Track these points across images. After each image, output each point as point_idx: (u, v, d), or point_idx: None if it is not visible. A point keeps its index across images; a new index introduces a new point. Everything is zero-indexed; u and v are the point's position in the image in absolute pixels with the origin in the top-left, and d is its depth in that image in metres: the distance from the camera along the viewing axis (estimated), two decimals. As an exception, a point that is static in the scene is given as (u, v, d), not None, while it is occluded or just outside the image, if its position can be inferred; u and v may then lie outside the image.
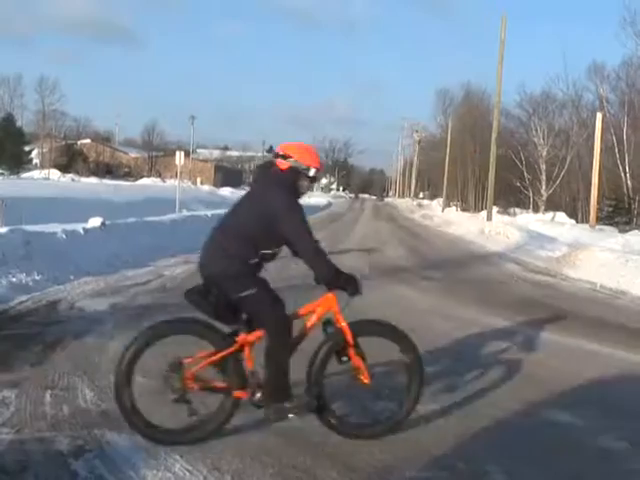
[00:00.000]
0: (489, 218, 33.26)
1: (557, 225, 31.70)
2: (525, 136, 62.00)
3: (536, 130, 58.98)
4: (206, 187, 68.70)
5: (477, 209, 60.90)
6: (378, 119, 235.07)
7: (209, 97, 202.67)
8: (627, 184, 46.30)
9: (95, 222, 13.66)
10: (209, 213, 24.38)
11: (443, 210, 59.53)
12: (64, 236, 11.94)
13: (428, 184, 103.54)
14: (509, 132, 62.05)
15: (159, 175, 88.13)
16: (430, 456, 4.24)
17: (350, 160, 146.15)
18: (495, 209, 39.47)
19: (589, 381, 6.26)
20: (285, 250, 4.49)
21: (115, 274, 11.28)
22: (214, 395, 4.39)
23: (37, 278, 9.60)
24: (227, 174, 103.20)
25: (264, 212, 4.28)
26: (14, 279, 9.20)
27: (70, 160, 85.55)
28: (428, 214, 51.24)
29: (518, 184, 59.36)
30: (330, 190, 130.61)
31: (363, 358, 4.50)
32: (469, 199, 69.67)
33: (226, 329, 4.42)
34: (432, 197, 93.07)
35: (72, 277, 10.29)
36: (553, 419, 5.11)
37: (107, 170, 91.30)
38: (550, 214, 46.02)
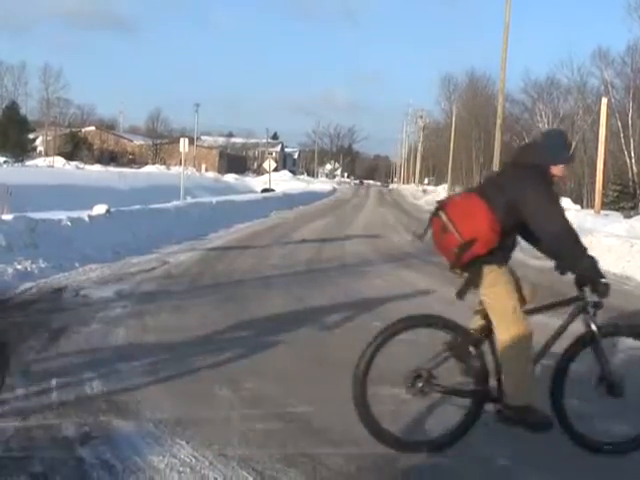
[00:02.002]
0: (494, 204, 33.17)
1: (562, 211, 31.58)
2: (530, 122, 61.87)
3: (541, 116, 58.91)
4: (211, 174, 68.74)
5: (482, 195, 60.76)
6: (382, 105, 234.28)
7: (213, 84, 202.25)
8: (632, 169, 46.22)
9: (100, 209, 13.67)
10: (214, 200, 24.38)
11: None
12: (69, 223, 11.95)
13: (433, 170, 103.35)
14: (514, 118, 61.91)
15: (164, 162, 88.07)
16: (435, 442, 4.24)
17: (355, 146, 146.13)
18: (500, 195, 39.36)
19: (592, 367, 6.24)
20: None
21: (120, 261, 11.30)
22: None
23: (42, 265, 9.61)
24: (231, 161, 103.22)
25: None
26: (19, 266, 9.22)
27: (74, 148, 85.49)
28: (433, 200, 51.07)
29: (523, 170, 59.29)
30: (335, 176, 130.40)
31: None
32: (474, 185, 69.58)
33: None
34: (437, 183, 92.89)
35: (77, 264, 10.31)
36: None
37: (111, 157, 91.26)
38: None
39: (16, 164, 61.84)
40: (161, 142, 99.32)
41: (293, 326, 7.24)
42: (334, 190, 68.88)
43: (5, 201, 15.61)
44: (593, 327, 4.25)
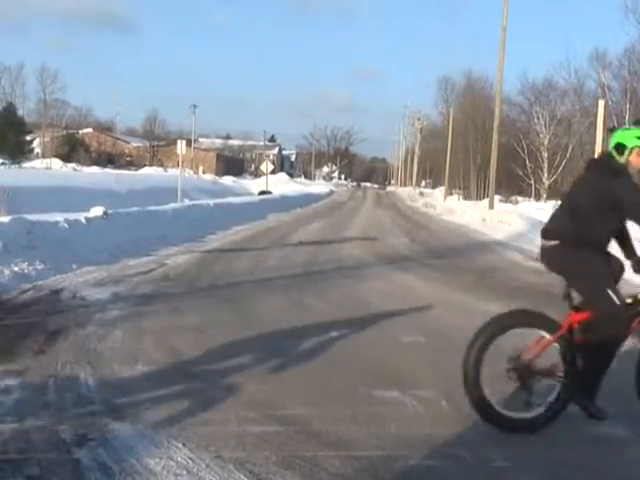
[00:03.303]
0: (491, 206, 33.23)
1: (559, 213, 31.59)
2: (527, 124, 61.91)
3: (538, 118, 58.89)
4: (208, 176, 68.76)
5: (479, 197, 60.79)
6: (380, 107, 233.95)
7: (210, 86, 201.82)
8: (629, 172, 46.21)
9: (97, 211, 13.66)
10: (211, 202, 24.39)
11: (445, 199, 59.44)
12: (66, 225, 11.94)
13: (430, 172, 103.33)
14: (511, 120, 61.95)
15: (161, 164, 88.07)
16: (433, 444, 4.24)
17: (352, 149, 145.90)
18: (497, 197, 39.43)
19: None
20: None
21: (117, 263, 11.30)
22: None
23: (39, 267, 9.60)
24: (229, 163, 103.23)
25: None
26: (17, 268, 9.21)
27: (72, 149, 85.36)
28: (430, 202, 51.17)
29: (520, 172, 59.29)
30: (332, 179, 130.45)
31: None
32: (471, 188, 69.54)
33: None
34: (434, 186, 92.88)
35: (74, 266, 10.29)
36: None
37: (109, 159, 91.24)
38: (552, 202, 45.96)
39: (13, 166, 61.79)
40: (158, 144, 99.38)
41: (292, 329, 7.23)
42: (331, 192, 68.90)
43: (2, 203, 15.61)
44: None
